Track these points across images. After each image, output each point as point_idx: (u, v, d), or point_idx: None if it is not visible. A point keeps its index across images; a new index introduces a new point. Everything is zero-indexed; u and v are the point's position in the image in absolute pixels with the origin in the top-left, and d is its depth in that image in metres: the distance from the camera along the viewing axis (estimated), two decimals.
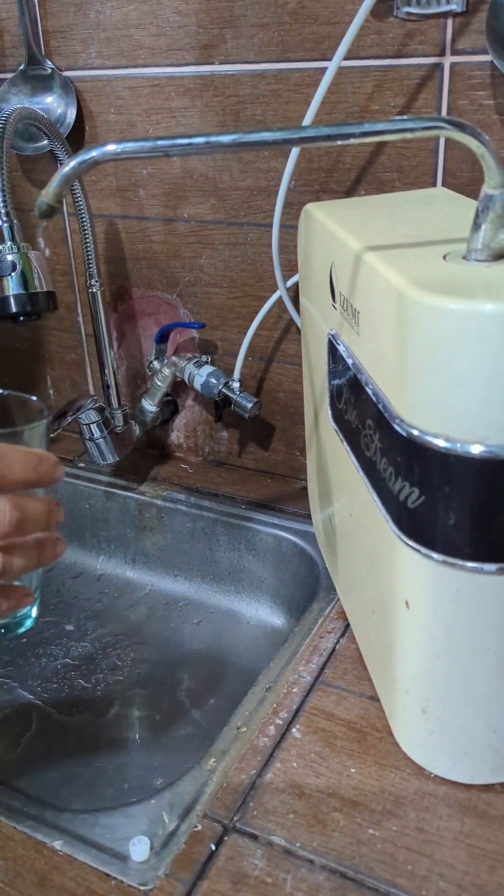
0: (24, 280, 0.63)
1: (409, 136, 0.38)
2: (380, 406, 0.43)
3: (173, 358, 0.82)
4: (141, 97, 0.75)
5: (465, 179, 0.64)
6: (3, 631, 0.50)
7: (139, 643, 0.78)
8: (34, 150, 0.79)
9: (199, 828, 0.47)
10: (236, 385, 0.79)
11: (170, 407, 0.88)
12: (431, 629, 0.44)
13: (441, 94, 0.63)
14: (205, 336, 0.83)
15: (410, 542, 0.42)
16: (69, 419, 0.76)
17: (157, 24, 0.71)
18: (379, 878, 0.43)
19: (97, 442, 0.81)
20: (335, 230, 0.51)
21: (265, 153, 0.71)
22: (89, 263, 0.78)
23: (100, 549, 0.90)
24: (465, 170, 0.64)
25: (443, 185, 0.66)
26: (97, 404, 0.80)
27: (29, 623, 0.51)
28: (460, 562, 0.41)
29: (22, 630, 0.51)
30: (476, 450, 0.38)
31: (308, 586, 0.73)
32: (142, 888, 0.43)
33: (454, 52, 0.61)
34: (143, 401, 0.85)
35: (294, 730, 0.53)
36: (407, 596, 0.44)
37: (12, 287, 0.63)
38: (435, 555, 0.41)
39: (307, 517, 0.76)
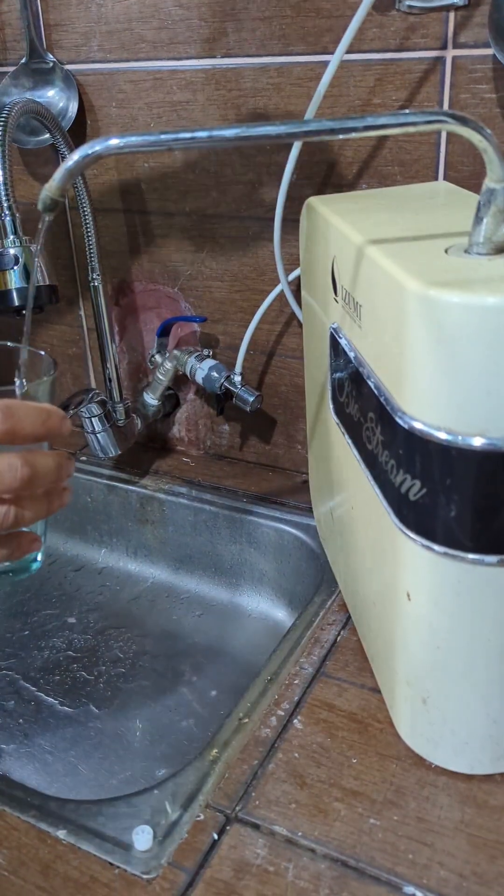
0: (27, 273, 0.63)
1: (411, 130, 0.38)
2: (381, 399, 0.43)
3: (175, 351, 0.82)
4: (143, 91, 0.75)
5: (467, 173, 0.64)
6: (11, 574, 0.52)
7: (141, 636, 0.79)
8: (36, 144, 0.79)
9: (202, 817, 0.47)
10: (238, 379, 0.79)
11: (171, 400, 0.88)
12: (432, 621, 0.44)
13: (443, 88, 0.63)
14: (206, 330, 0.83)
15: (412, 535, 0.43)
16: (71, 413, 0.76)
17: (159, 18, 0.71)
18: (380, 867, 0.43)
19: (99, 435, 0.81)
20: (337, 224, 0.51)
21: (267, 147, 0.71)
22: (91, 257, 0.78)
23: (102, 542, 0.90)
24: (467, 163, 0.64)
25: (444, 178, 0.66)
26: (99, 398, 0.80)
27: (35, 566, 0.52)
28: (461, 554, 0.41)
29: (28, 574, 0.52)
30: (477, 442, 0.38)
31: (309, 579, 0.73)
32: (145, 877, 0.44)
33: (456, 46, 0.61)
34: (145, 394, 0.86)
35: (296, 721, 0.53)
36: (408, 588, 0.45)
37: (15, 280, 0.63)
38: (436, 547, 0.42)
39: (308, 510, 0.77)
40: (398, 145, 0.66)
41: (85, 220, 0.76)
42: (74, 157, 0.37)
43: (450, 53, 0.62)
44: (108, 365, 0.83)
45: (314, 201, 0.58)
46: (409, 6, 0.61)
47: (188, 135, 0.37)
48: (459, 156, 0.64)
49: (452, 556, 0.41)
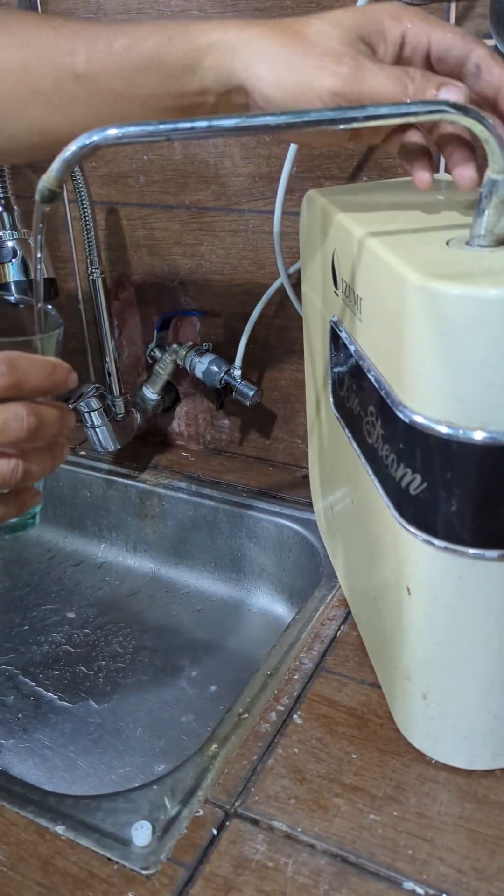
0: (25, 266, 0.63)
1: (412, 119, 0.38)
2: (382, 393, 0.43)
3: (174, 346, 0.82)
4: None
5: None
6: (11, 530, 0.51)
7: (140, 630, 0.79)
8: None
9: (201, 813, 0.47)
10: (237, 373, 0.79)
11: (171, 395, 0.88)
12: (433, 615, 0.44)
13: None
14: (206, 324, 0.83)
15: (412, 529, 0.42)
16: (70, 407, 0.76)
17: (158, 9, 0.71)
18: (380, 863, 0.43)
19: (98, 430, 0.81)
20: (338, 216, 0.50)
21: (267, 139, 0.71)
22: (90, 250, 0.78)
23: (101, 536, 0.90)
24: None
25: (445, 171, 0.65)
26: (98, 392, 0.79)
27: (35, 522, 0.52)
28: (462, 548, 0.41)
29: (26, 530, 0.52)
30: (478, 436, 0.38)
31: (309, 574, 0.73)
32: (144, 872, 0.44)
33: None
34: (144, 389, 0.85)
35: (295, 716, 0.53)
36: (408, 582, 0.44)
37: (13, 273, 0.62)
38: (437, 541, 0.41)
39: (308, 505, 0.76)
40: None
41: (84, 213, 0.76)
42: (72, 148, 0.36)
43: None
44: (108, 359, 0.82)
45: (314, 194, 0.57)
46: None
47: (187, 125, 0.36)
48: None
49: (453, 550, 0.41)
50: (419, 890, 0.42)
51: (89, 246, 0.78)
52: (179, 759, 0.52)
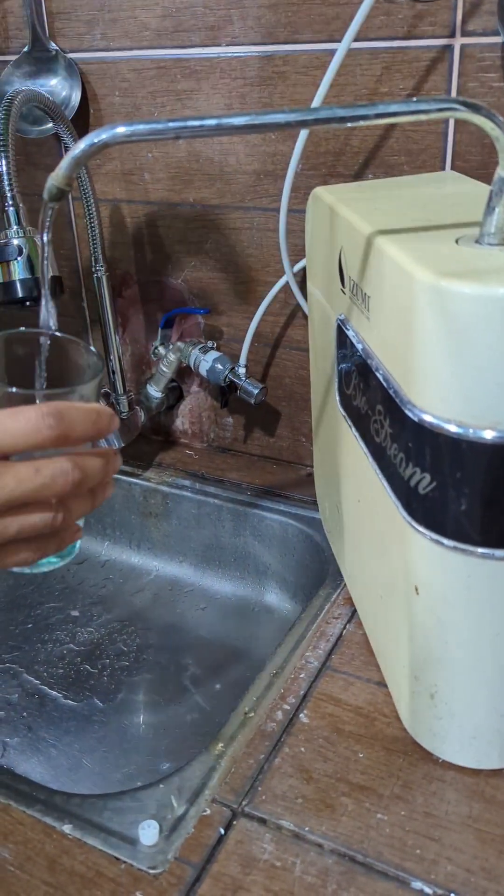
0: (31, 264, 0.62)
1: (423, 117, 0.37)
2: (390, 391, 0.43)
3: (178, 343, 0.82)
4: (146, 79, 0.74)
5: (475, 163, 0.64)
6: (50, 562, 0.52)
7: (145, 629, 0.78)
8: (39, 133, 0.78)
9: (208, 812, 0.47)
10: (242, 371, 0.79)
11: (175, 393, 0.88)
12: (441, 615, 0.44)
13: (451, 77, 0.62)
14: (210, 321, 0.83)
15: (421, 528, 0.42)
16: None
17: (163, 6, 0.71)
18: (388, 862, 0.43)
19: None
20: (345, 214, 0.50)
21: (272, 136, 0.71)
22: (94, 248, 0.78)
23: (105, 535, 0.90)
24: (475, 153, 0.63)
25: (451, 168, 0.65)
26: (102, 390, 0.79)
27: (72, 554, 0.53)
28: (471, 548, 0.41)
29: (65, 560, 0.53)
30: (488, 435, 0.38)
31: (314, 572, 0.73)
32: (151, 871, 0.44)
33: (464, 34, 0.61)
34: (148, 387, 0.85)
35: (302, 715, 0.53)
36: (416, 581, 0.44)
37: (19, 271, 0.62)
38: (445, 541, 0.41)
39: (313, 503, 0.76)
40: (405, 135, 0.66)
41: (88, 210, 0.75)
42: (81, 146, 0.36)
43: (458, 41, 0.61)
44: (112, 357, 0.82)
45: (320, 191, 0.57)
46: None
47: (196, 123, 0.36)
48: (467, 145, 0.63)
49: (462, 550, 0.41)
50: (427, 890, 0.42)
51: (93, 243, 0.77)
52: (184, 757, 0.52)
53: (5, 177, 0.62)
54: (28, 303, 0.64)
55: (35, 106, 0.67)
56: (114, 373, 0.83)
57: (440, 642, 0.45)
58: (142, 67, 0.74)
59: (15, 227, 0.63)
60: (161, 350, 0.84)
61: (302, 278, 0.73)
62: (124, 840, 0.46)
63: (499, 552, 0.40)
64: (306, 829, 0.45)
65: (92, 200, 0.75)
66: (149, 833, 0.46)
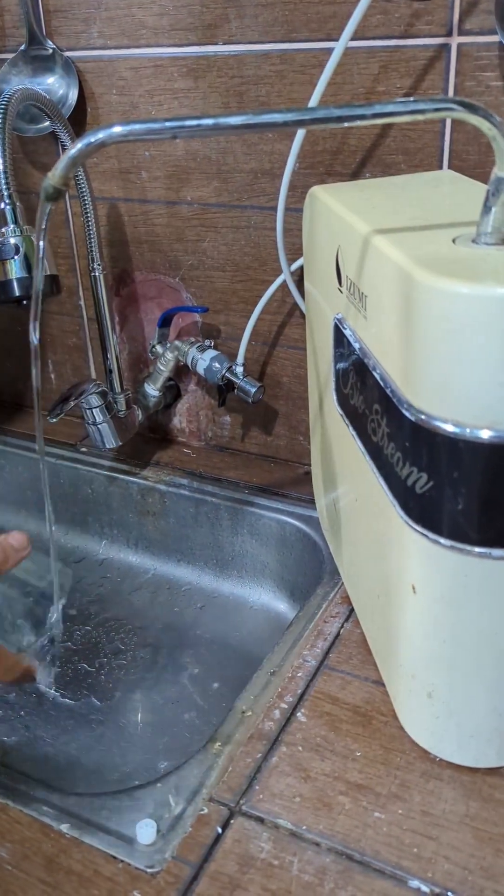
0: (28, 263, 0.62)
1: (420, 117, 0.37)
2: (387, 391, 0.43)
3: (176, 342, 0.82)
4: (143, 78, 0.74)
5: (472, 162, 0.64)
6: None
7: (142, 627, 0.79)
8: (35, 132, 0.78)
9: (206, 811, 0.47)
10: (240, 369, 0.79)
11: (172, 391, 0.88)
12: (438, 614, 0.44)
13: (448, 76, 0.62)
14: (208, 320, 0.83)
15: (418, 528, 0.42)
16: (71, 404, 0.76)
17: (160, 4, 0.70)
18: (385, 861, 0.43)
19: (99, 426, 0.81)
20: (342, 213, 0.50)
21: (270, 135, 0.71)
22: (91, 247, 0.77)
23: (102, 533, 0.90)
24: (472, 152, 0.63)
25: (449, 167, 0.65)
26: (99, 389, 0.79)
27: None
28: (468, 547, 0.41)
29: None
30: (485, 435, 0.38)
31: (312, 571, 0.73)
32: (149, 870, 0.44)
33: (462, 33, 0.61)
34: (146, 385, 0.85)
35: (299, 714, 0.53)
36: (413, 581, 0.44)
37: (15, 270, 0.62)
38: (442, 540, 0.41)
39: (310, 502, 0.76)
40: (402, 134, 0.66)
41: (85, 209, 0.75)
42: (78, 146, 0.36)
43: (455, 40, 0.61)
44: (109, 355, 0.82)
45: (318, 190, 0.57)
46: None
47: (193, 122, 0.36)
48: (464, 144, 0.63)
49: (459, 549, 0.41)
50: (425, 888, 0.42)
51: (90, 242, 0.77)
52: (182, 756, 0.52)
53: (2, 175, 0.62)
54: (24, 301, 0.64)
55: (32, 104, 0.67)
56: (111, 371, 0.83)
57: (437, 641, 0.45)
58: (139, 66, 0.74)
59: (11, 226, 0.63)
60: (158, 349, 0.84)
61: (299, 277, 0.73)
62: (122, 839, 0.46)
63: (496, 551, 0.40)
64: (304, 827, 0.45)
65: (89, 199, 0.75)
66: (146, 832, 0.46)
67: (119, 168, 0.79)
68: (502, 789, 0.47)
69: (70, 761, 0.65)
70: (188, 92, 0.73)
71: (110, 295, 0.83)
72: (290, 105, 0.69)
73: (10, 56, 0.78)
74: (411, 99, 0.38)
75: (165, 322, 0.84)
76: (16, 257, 0.62)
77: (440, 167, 0.65)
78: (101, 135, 0.36)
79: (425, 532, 0.42)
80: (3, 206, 0.63)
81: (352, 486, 0.56)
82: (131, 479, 0.86)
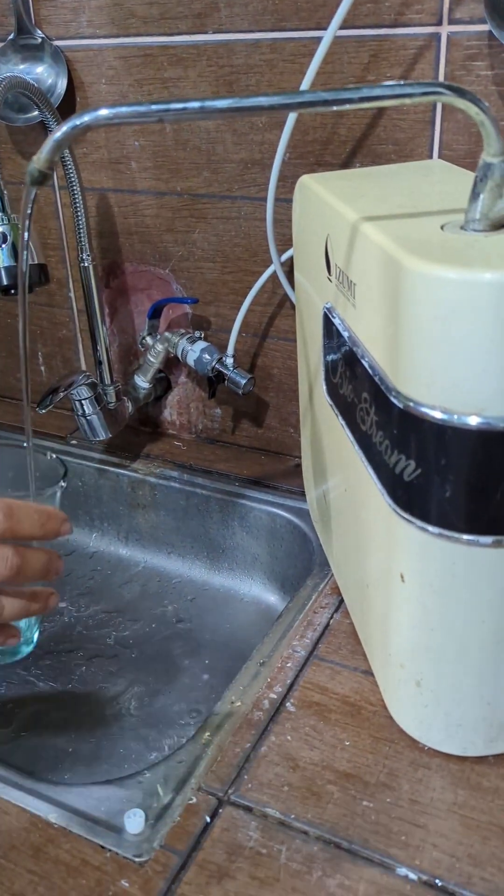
0: (16, 252, 0.62)
1: (408, 101, 0.37)
2: (376, 379, 0.43)
3: (166, 334, 0.82)
4: (133, 67, 0.74)
5: (462, 152, 0.64)
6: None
7: (132, 620, 0.78)
8: (24, 121, 0.78)
9: (194, 800, 0.47)
10: (230, 361, 0.78)
11: (162, 383, 0.88)
12: (426, 602, 0.44)
13: (438, 65, 0.62)
14: (198, 311, 0.82)
15: (406, 515, 0.42)
16: (61, 395, 0.75)
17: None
18: (373, 849, 0.43)
19: (89, 418, 0.81)
20: (331, 202, 0.50)
21: (259, 124, 0.70)
22: (80, 238, 0.77)
23: (92, 526, 0.89)
24: (462, 142, 0.63)
25: (439, 157, 0.65)
26: (89, 380, 0.79)
27: (18, 654, 0.56)
28: (456, 534, 0.41)
29: (16, 658, 0.56)
30: (473, 421, 0.38)
31: (302, 562, 0.73)
32: (137, 860, 0.44)
33: (452, 22, 0.60)
34: (136, 377, 0.85)
35: (288, 704, 0.53)
36: (402, 569, 0.44)
37: (3, 259, 0.62)
38: (430, 527, 0.41)
39: (301, 494, 0.76)
40: (392, 123, 0.65)
41: (74, 199, 0.75)
42: (63, 128, 0.36)
43: (445, 30, 0.61)
44: (99, 347, 0.82)
45: (307, 180, 0.57)
46: None
47: (179, 105, 0.36)
48: (454, 134, 0.63)
49: (447, 536, 0.41)
50: (412, 875, 0.42)
51: (80, 233, 0.77)
52: (171, 747, 0.52)
53: None
54: (13, 290, 0.64)
55: (21, 93, 0.67)
56: (101, 363, 0.82)
57: (426, 630, 0.45)
58: (128, 55, 0.73)
59: (0, 215, 0.62)
60: (149, 340, 0.83)
61: (289, 268, 0.73)
62: (110, 829, 0.46)
63: (483, 539, 0.40)
64: (292, 816, 0.45)
65: (78, 189, 0.74)
66: (134, 822, 0.45)
67: (108, 158, 0.79)
68: (490, 777, 0.47)
69: (59, 752, 0.64)
70: (178, 81, 0.72)
71: (100, 286, 0.82)
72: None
73: None
74: (399, 83, 0.38)
75: (155, 313, 0.83)
76: (3, 246, 0.62)
77: (430, 157, 0.65)
78: (86, 118, 0.36)
79: (413, 520, 0.42)
80: None
81: (341, 476, 0.56)
82: (122, 471, 0.85)
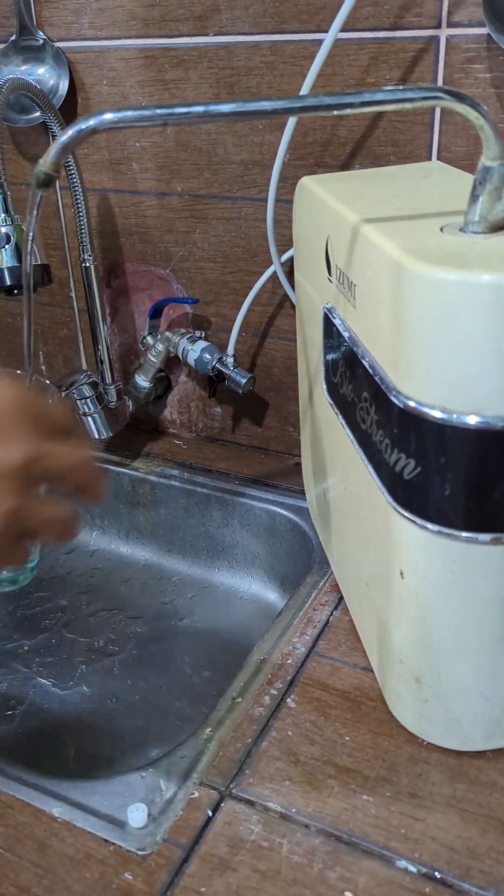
0: (19, 252, 0.62)
1: (408, 106, 0.38)
2: (376, 378, 0.44)
3: (167, 333, 0.82)
4: (134, 69, 0.74)
5: (460, 154, 0.64)
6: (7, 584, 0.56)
7: (133, 617, 0.79)
8: (26, 123, 0.78)
9: (196, 795, 0.47)
10: (230, 360, 0.79)
11: (163, 383, 0.88)
12: (426, 599, 0.44)
13: (437, 68, 0.63)
14: (198, 311, 0.83)
15: (406, 513, 0.43)
16: (62, 394, 0.76)
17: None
18: (373, 842, 0.44)
19: (90, 418, 0.81)
20: (332, 203, 0.51)
21: (260, 126, 0.71)
22: (82, 238, 0.78)
23: (93, 524, 0.90)
24: (461, 144, 0.64)
25: (438, 159, 0.66)
26: (90, 380, 0.79)
27: (28, 577, 0.56)
28: (455, 532, 0.41)
29: (20, 585, 0.57)
30: (472, 420, 0.38)
31: (301, 560, 0.73)
32: (140, 853, 0.44)
33: (450, 25, 0.61)
34: (137, 376, 0.85)
35: (289, 700, 0.54)
36: (401, 566, 0.45)
37: (6, 259, 0.62)
38: (430, 525, 0.42)
39: (300, 492, 0.77)
40: (392, 125, 0.66)
41: (76, 200, 0.75)
42: (69, 132, 0.36)
43: (444, 33, 0.61)
44: (100, 347, 0.82)
45: (308, 181, 0.58)
46: None
47: (184, 109, 0.36)
48: (453, 136, 0.64)
49: (446, 534, 0.42)
50: (412, 868, 0.42)
51: (81, 233, 0.77)
52: (173, 744, 0.52)
53: None
54: (16, 291, 0.64)
55: (22, 94, 0.67)
56: (102, 362, 0.83)
57: (425, 626, 0.45)
58: (130, 57, 0.74)
59: (2, 216, 0.63)
60: (149, 340, 0.84)
61: (290, 268, 0.73)
62: (113, 823, 0.46)
63: (482, 536, 0.41)
64: (293, 810, 0.46)
65: (80, 190, 0.75)
66: (137, 816, 0.46)
67: (110, 159, 0.79)
68: (488, 772, 0.48)
69: (62, 749, 0.65)
70: (179, 83, 0.73)
71: (101, 286, 0.83)
72: (280, 95, 0.69)
73: (0, 46, 0.78)
74: (400, 87, 0.38)
75: (156, 313, 0.84)
76: (7, 246, 0.62)
77: (429, 159, 0.66)
78: (92, 121, 0.36)
79: (413, 518, 0.42)
80: None
81: (341, 474, 0.56)
82: (122, 470, 0.86)
